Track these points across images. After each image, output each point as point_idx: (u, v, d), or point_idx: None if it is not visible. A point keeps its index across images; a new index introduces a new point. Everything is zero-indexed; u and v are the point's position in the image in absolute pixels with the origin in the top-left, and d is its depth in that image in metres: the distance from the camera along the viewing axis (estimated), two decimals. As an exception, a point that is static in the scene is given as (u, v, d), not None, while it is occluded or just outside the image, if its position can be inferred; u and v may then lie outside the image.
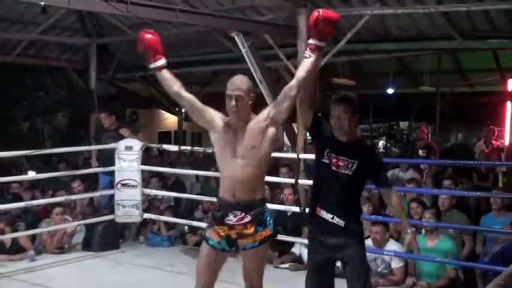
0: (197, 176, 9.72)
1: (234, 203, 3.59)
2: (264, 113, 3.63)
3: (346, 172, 3.71)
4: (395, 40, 8.36)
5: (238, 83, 3.59)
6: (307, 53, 3.54)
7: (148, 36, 3.72)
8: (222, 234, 3.62)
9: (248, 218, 3.58)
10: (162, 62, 3.66)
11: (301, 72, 3.57)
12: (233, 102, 3.54)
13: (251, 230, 3.59)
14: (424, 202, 6.52)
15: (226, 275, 5.38)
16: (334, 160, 3.72)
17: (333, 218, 3.70)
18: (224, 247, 3.67)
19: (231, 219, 3.58)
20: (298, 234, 6.62)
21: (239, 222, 3.57)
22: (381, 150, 18.37)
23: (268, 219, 3.67)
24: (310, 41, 3.52)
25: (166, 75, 3.66)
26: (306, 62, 3.55)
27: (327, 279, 3.81)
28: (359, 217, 3.85)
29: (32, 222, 7.09)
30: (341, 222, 3.69)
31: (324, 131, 3.84)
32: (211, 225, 3.70)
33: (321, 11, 3.46)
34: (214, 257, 3.70)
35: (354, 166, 3.70)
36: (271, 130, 3.61)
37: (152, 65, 3.66)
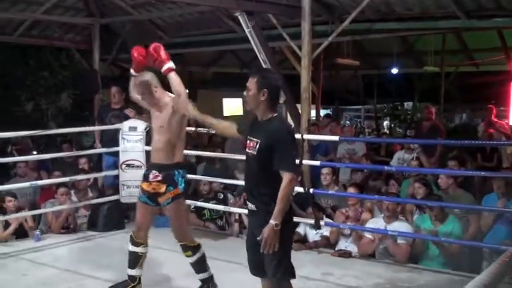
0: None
1: (154, 164, 4.77)
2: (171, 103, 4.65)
3: (252, 152, 3.71)
4: (399, 19, 8.29)
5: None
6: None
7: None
8: (145, 189, 4.76)
9: (160, 177, 4.66)
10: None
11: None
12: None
13: (163, 189, 4.67)
14: (429, 183, 6.52)
15: (230, 254, 5.45)
16: (248, 142, 3.78)
17: (248, 203, 3.80)
18: (146, 201, 4.78)
19: (150, 176, 4.72)
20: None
21: (154, 179, 4.68)
22: (385, 130, 18.36)
23: (179, 180, 4.67)
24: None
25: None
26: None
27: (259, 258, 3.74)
28: (272, 199, 3.62)
29: None
30: (252, 206, 3.76)
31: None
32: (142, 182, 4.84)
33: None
34: (141, 207, 4.86)
35: (257, 145, 3.66)
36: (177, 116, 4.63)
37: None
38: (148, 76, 4.80)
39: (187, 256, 4.85)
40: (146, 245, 4.92)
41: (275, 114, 3.72)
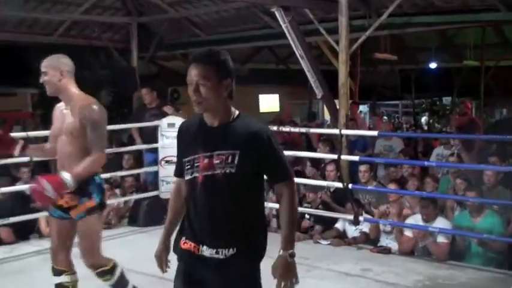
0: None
1: None
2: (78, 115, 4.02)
3: (222, 171, 2.54)
4: (438, 13, 8.17)
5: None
6: None
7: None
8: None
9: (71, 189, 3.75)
10: None
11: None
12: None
13: (75, 202, 3.84)
14: (469, 178, 6.41)
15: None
16: (206, 160, 2.58)
17: (208, 251, 2.63)
18: (61, 215, 3.92)
19: None
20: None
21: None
22: (424, 127, 18.13)
23: (93, 191, 3.88)
24: None
25: None
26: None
27: None
28: (256, 237, 2.65)
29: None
30: (222, 254, 2.59)
31: (186, 128, 2.76)
32: None
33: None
34: (55, 224, 3.99)
35: (236, 159, 2.52)
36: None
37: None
38: (65, 58, 4.19)
39: (106, 281, 4.12)
40: (72, 271, 4.09)
41: (237, 112, 2.63)
